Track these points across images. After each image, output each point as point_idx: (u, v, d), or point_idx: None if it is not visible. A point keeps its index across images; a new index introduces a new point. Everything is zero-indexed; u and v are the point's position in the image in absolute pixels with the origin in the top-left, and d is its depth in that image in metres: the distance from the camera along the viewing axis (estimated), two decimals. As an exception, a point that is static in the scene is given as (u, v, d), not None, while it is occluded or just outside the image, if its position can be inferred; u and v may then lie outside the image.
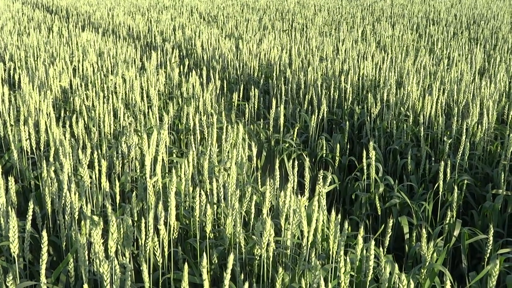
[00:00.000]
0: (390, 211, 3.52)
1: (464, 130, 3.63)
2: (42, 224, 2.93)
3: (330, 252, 1.97)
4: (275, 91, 5.67)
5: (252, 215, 2.51)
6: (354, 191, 3.74)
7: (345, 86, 5.20)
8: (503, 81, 5.21)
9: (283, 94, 5.19)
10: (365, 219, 3.50)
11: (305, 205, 2.83)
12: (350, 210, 3.86)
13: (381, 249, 2.24)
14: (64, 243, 2.56)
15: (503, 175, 3.36)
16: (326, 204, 4.01)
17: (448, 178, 3.46)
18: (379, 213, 3.46)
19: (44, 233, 1.85)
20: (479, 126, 3.96)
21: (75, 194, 2.40)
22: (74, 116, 3.89)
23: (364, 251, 1.98)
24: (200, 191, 2.78)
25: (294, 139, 4.36)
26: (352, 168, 4.54)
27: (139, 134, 3.97)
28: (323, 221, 2.55)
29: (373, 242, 1.72)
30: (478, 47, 7.37)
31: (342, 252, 1.84)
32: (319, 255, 2.52)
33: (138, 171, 3.32)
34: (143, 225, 2.19)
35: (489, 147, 4.02)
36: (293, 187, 2.69)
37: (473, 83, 5.07)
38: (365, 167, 3.41)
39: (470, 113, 4.14)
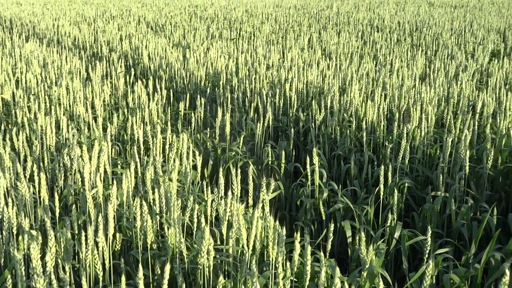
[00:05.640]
0: (334, 215, 3.58)
1: (404, 135, 3.73)
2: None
3: (270, 259, 1.99)
4: (221, 99, 5.69)
5: (195, 224, 2.52)
6: (299, 197, 3.79)
7: (290, 94, 5.26)
8: (442, 86, 5.37)
9: (229, 103, 5.21)
10: (310, 224, 3.54)
11: (249, 213, 2.85)
12: (296, 216, 3.90)
13: (321, 253, 2.28)
14: (3, 259, 2.51)
15: (441, 177, 3.46)
16: (272, 211, 4.04)
17: (390, 181, 3.55)
18: (324, 218, 3.51)
19: (-23, 250, 1.81)
20: (419, 130, 4.07)
21: (12, 208, 2.35)
22: (15, 129, 3.81)
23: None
24: (141, 201, 2.77)
25: (241, 147, 4.38)
26: (298, 174, 4.60)
27: (81, 146, 3.92)
28: (267, 227, 2.57)
29: (309, 247, 1.75)
30: (420, 53, 7.57)
31: (280, 258, 1.86)
32: (264, 262, 2.54)
33: (80, 183, 3.28)
34: (83, 238, 2.17)
35: (429, 151, 4.14)
36: (236, 195, 2.70)
37: (414, 89, 5.21)
38: (309, 173, 3.46)
39: (411, 118, 4.26)
